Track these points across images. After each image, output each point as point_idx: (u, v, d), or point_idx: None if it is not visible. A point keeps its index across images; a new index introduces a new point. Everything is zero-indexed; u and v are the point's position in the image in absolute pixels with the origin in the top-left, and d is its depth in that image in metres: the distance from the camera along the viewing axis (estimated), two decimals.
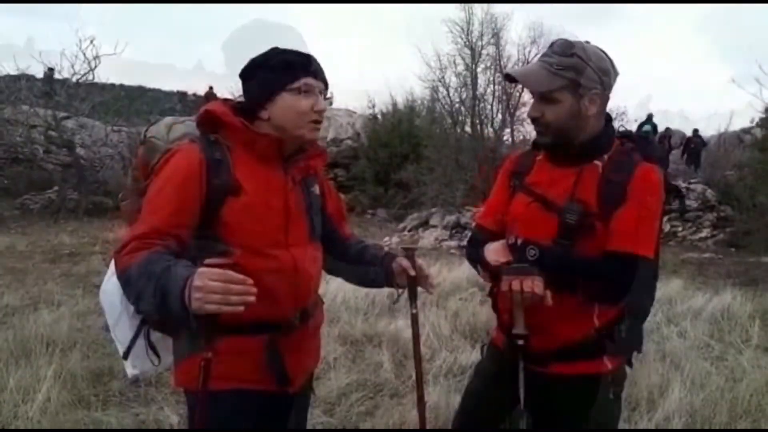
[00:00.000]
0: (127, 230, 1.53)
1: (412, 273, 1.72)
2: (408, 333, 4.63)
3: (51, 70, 15.96)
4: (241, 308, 1.24)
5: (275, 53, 1.57)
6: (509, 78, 1.69)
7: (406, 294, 1.79)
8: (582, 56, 1.56)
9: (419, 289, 1.80)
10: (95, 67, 14.84)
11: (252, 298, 1.26)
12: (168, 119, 1.72)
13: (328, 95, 1.61)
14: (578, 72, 1.55)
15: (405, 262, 1.73)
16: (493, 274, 1.63)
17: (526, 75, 1.69)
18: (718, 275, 8.50)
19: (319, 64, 1.58)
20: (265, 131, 1.54)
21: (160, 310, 1.29)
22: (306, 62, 1.55)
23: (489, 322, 4.77)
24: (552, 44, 1.64)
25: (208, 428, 1.43)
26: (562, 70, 1.56)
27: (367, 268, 1.79)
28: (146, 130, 1.70)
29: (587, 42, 1.62)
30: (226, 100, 1.63)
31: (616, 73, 1.63)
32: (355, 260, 1.81)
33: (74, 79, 15.03)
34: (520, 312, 1.57)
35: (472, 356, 4.07)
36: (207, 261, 1.27)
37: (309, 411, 1.94)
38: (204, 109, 1.57)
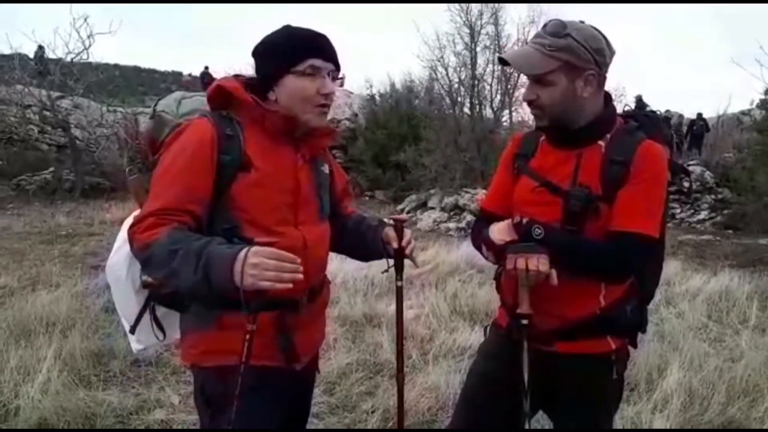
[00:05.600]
0: (139, 206, 1.53)
1: (395, 245, 1.73)
2: (407, 314, 4.67)
3: (41, 48, 15.76)
4: (290, 285, 1.30)
5: (284, 32, 1.54)
6: (503, 62, 1.66)
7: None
8: (575, 36, 1.52)
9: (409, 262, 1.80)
10: (89, 45, 14.66)
11: (301, 276, 1.31)
12: (177, 93, 1.72)
13: (340, 76, 1.56)
14: (572, 53, 1.52)
15: (391, 233, 1.73)
16: (498, 254, 1.62)
17: (519, 58, 1.65)
18: (716, 257, 8.54)
19: (329, 44, 1.54)
20: (275, 109, 1.52)
21: (201, 286, 1.31)
22: (313, 42, 1.52)
23: (488, 304, 4.79)
24: (545, 25, 1.60)
25: (222, 403, 1.45)
26: (556, 51, 1.52)
27: (363, 237, 1.78)
28: (155, 104, 1.69)
29: (581, 21, 1.58)
30: (237, 75, 1.60)
31: (611, 52, 1.59)
32: (353, 231, 1.80)
33: (68, 59, 14.84)
34: (525, 291, 1.55)
35: (471, 337, 4.09)
36: (257, 240, 1.33)
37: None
38: (216, 84, 1.54)
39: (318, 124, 1.56)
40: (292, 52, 1.49)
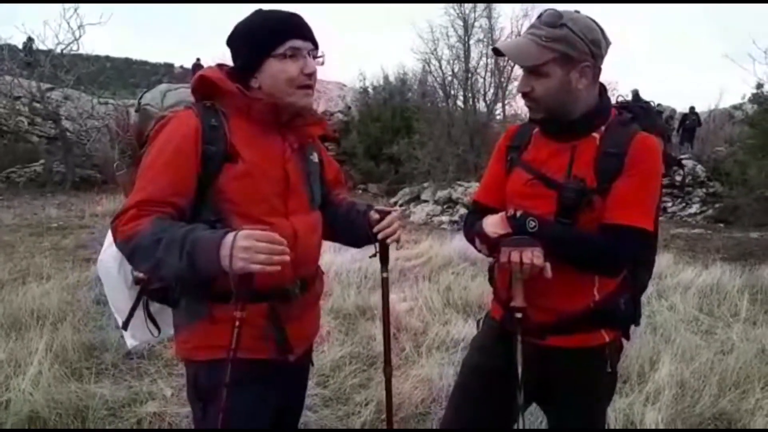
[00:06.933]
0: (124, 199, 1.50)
1: (376, 217, 1.68)
2: (401, 306, 4.68)
3: (30, 39, 15.62)
4: (278, 268, 1.30)
5: (258, 17, 1.51)
6: (497, 52, 1.64)
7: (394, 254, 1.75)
8: (571, 27, 1.50)
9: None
10: (80, 36, 14.51)
11: (287, 258, 1.31)
12: (162, 86, 1.69)
13: (319, 55, 1.53)
14: (568, 44, 1.50)
15: (375, 216, 1.69)
16: (492, 247, 1.60)
17: (514, 49, 1.62)
18: (707, 250, 8.61)
19: (305, 23, 1.51)
20: (260, 97, 1.50)
21: (186, 273, 1.30)
22: (290, 24, 1.49)
23: (481, 296, 4.80)
24: (540, 15, 1.57)
25: (214, 396, 1.43)
26: (551, 42, 1.50)
27: (353, 223, 1.75)
28: (140, 98, 1.66)
29: (577, 11, 1.56)
30: (220, 65, 1.58)
31: (607, 43, 1.57)
32: (344, 218, 1.77)
33: (58, 50, 14.69)
34: (519, 284, 1.55)
35: (464, 329, 4.10)
36: (245, 226, 1.32)
37: None
38: (199, 75, 1.52)
39: (305, 104, 1.54)
40: (271, 35, 1.46)
